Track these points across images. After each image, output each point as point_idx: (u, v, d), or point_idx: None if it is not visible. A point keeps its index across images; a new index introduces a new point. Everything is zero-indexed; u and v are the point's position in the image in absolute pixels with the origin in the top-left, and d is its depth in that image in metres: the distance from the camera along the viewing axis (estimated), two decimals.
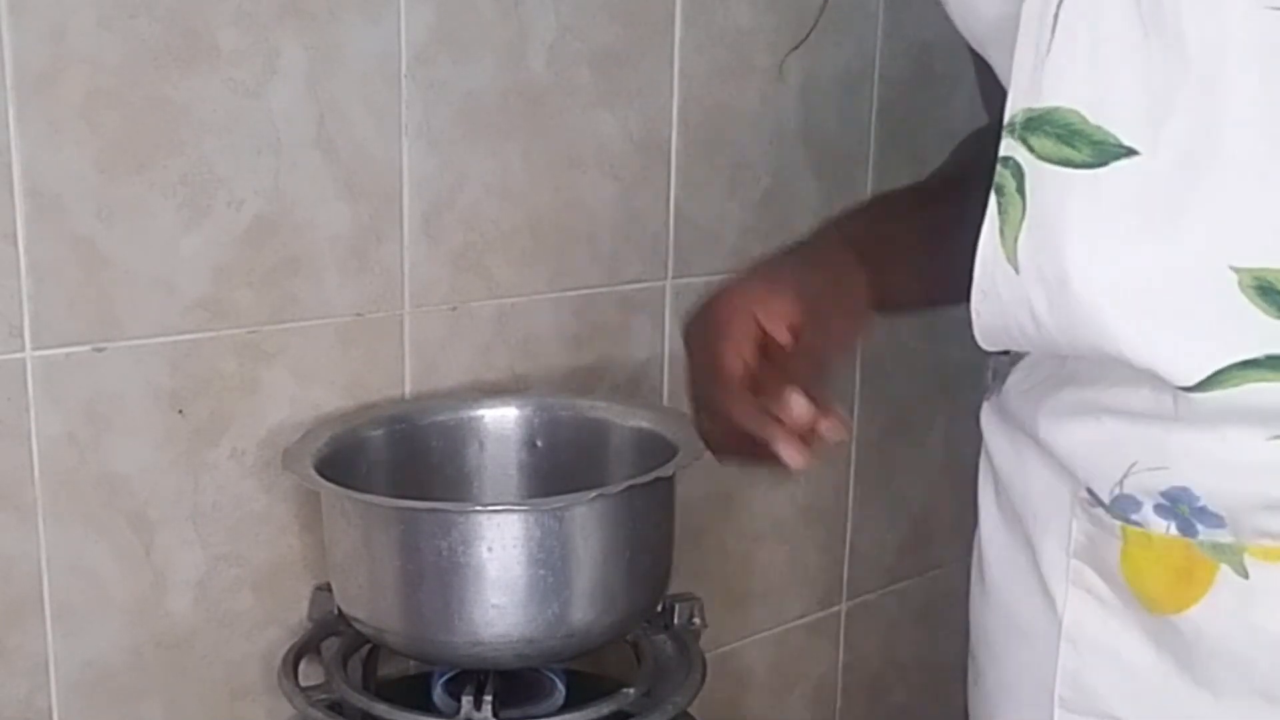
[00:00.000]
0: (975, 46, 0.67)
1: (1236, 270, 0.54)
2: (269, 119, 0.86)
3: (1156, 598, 0.64)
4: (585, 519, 0.78)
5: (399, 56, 0.91)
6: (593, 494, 0.77)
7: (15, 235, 0.78)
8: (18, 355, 0.80)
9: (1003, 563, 0.73)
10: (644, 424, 0.92)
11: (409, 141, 0.92)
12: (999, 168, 0.59)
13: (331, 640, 0.90)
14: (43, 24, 0.77)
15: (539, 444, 0.95)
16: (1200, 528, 0.61)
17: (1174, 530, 0.62)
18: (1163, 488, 0.61)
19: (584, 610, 0.79)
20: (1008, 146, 0.59)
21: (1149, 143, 0.55)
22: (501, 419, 0.95)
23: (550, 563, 0.77)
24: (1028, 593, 0.70)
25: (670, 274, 1.09)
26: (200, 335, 0.86)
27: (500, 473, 0.95)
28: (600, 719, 0.82)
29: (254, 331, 0.88)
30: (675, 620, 0.93)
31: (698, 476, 1.13)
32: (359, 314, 0.92)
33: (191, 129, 0.83)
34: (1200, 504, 0.60)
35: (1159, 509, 0.62)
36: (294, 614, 0.93)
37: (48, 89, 0.78)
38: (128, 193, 0.82)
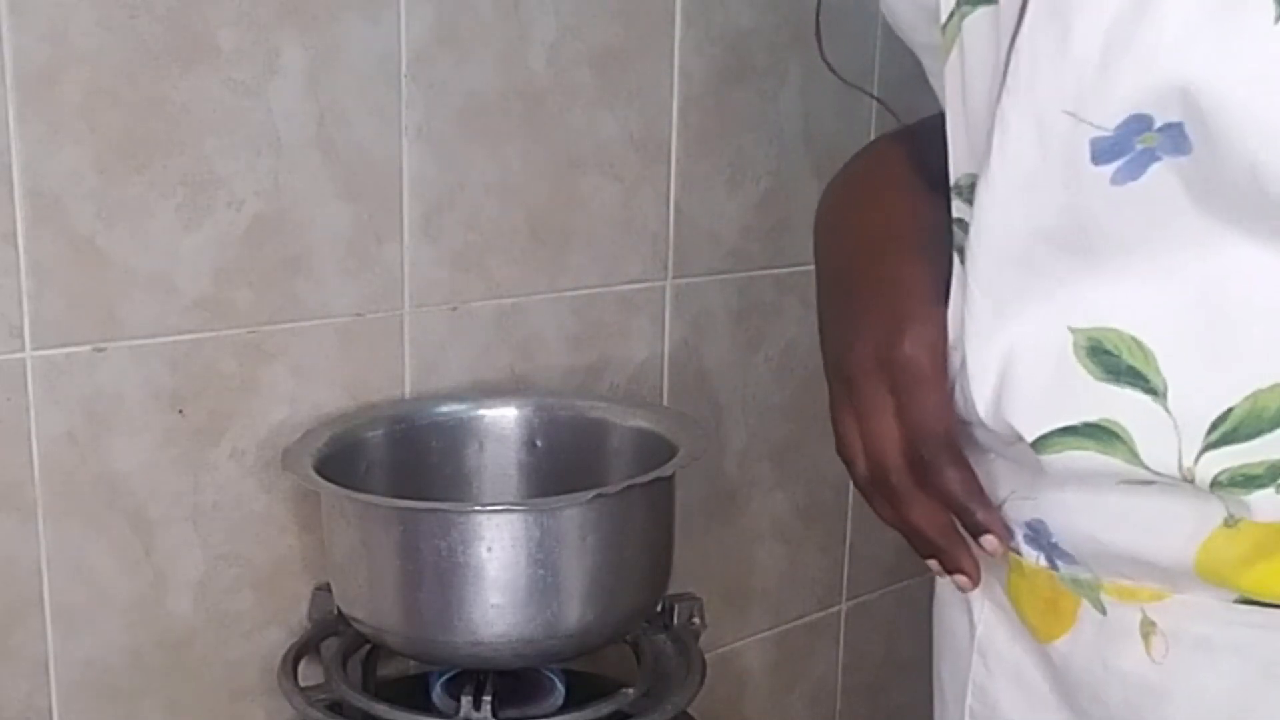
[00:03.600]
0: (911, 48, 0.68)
1: (1073, 331, 0.54)
2: (269, 119, 0.86)
3: (1034, 625, 0.65)
4: (584, 519, 0.78)
5: (399, 56, 0.91)
6: (591, 494, 0.77)
7: (15, 235, 0.79)
8: (18, 355, 0.80)
9: None
10: (643, 424, 0.92)
11: (409, 141, 0.93)
12: (955, 229, 0.59)
13: (331, 640, 0.90)
14: (43, 24, 0.77)
15: (538, 444, 0.95)
16: (1060, 563, 0.62)
17: (1042, 561, 0.63)
18: (1027, 518, 0.62)
19: (583, 610, 0.79)
20: (958, 209, 0.59)
21: (972, 218, 0.55)
22: (501, 419, 0.95)
23: (549, 563, 0.77)
24: (956, 601, 0.72)
25: (670, 274, 1.09)
26: (200, 335, 0.86)
27: (500, 473, 0.95)
28: (600, 719, 0.82)
29: (254, 331, 0.88)
30: (675, 620, 0.93)
31: (698, 476, 1.14)
32: (359, 314, 0.93)
33: (191, 129, 0.83)
34: (1054, 540, 0.61)
35: (1028, 539, 0.62)
36: (294, 614, 0.93)
37: (48, 89, 0.78)
38: (128, 193, 0.82)
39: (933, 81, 0.67)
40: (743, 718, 1.25)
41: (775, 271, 1.16)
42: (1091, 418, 0.54)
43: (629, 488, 0.79)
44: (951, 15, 0.57)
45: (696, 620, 0.94)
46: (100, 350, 0.83)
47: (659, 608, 0.92)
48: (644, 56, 1.04)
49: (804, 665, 1.30)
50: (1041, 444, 0.56)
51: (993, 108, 0.55)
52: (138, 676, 0.88)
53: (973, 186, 0.58)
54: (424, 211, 0.94)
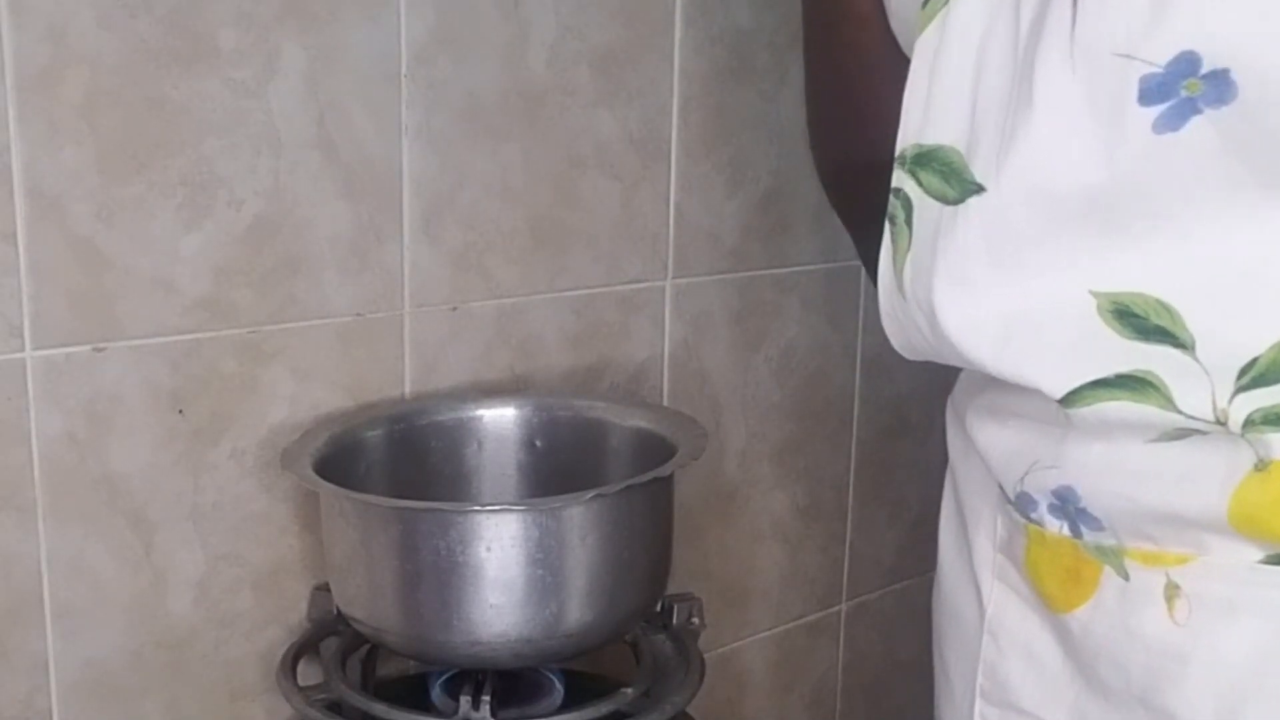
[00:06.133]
0: None
1: (1096, 294, 0.56)
2: (269, 119, 0.86)
3: (1053, 596, 0.66)
4: (583, 519, 0.78)
5: (399, 56, 0.91)
6: (590, 494, 0.77)
7: (15, 235, 0.79)
8: (18, 355, 0.80)
9: (949, 554, 0.76)
10: (643, 424, 0.92)
11: (409, 141, 0.93)
12: (891, 198, 0.62)
13: (330, 640, 0.90)
14: (43, 24, 0.77)
15: (538, 444, 0.95)
16: (1084, 529, 0.62)
17: (1066, 530, 0.64)
18: (1053, 486, 0.63)
19: (582, 610, 0.79)
20: (898, 178, 0.62)
21: (993, 178, 0.57)
22: (500, 419, 0.95)
23: (548, 562, 0.77)
24: (964, 584, 0.73)
25: (670, 274, 1.09)
26: (200, 335, 0.86)
27: (499, 473, 0.95)
28: (598, 719, 0.82)
29: (254, 331, 0.88)
30: (674, 620, 0.93)
31: (698, 476, 1.14)
32: (359, 314, 0.93)
33: (191, 129, 0.83)
34: (1081, 505, 0.62)
35: (1052, 508, 0.64)
36: (293, 614, 0.93)
37: (48, 89, 0.78)
38: (128, 193, 0.82)
39: None
40: (742, 718, 1.25)
41: (775, 271, 1.16)
42: (1124, 369, 0.56)
43: (628, 488, 0.79)
44: None
45: (696, 620, 0.94)
46: (100, 350, 0.83)
47: (658, 607, 0.92)
48: (644, 56, 1.04)
49: (804, 665, 1.30)
50: (1071, 399, 0.58)
51: (974, 78, 0.58)
52: (138, 676, 0.88)
53: (917, 159, 0.59)
54: (424, 211, 0.94)
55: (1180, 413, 0.56)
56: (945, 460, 0.81)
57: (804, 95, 0.83)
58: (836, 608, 1.31)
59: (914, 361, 0.69)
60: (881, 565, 1.33)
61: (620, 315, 1.07)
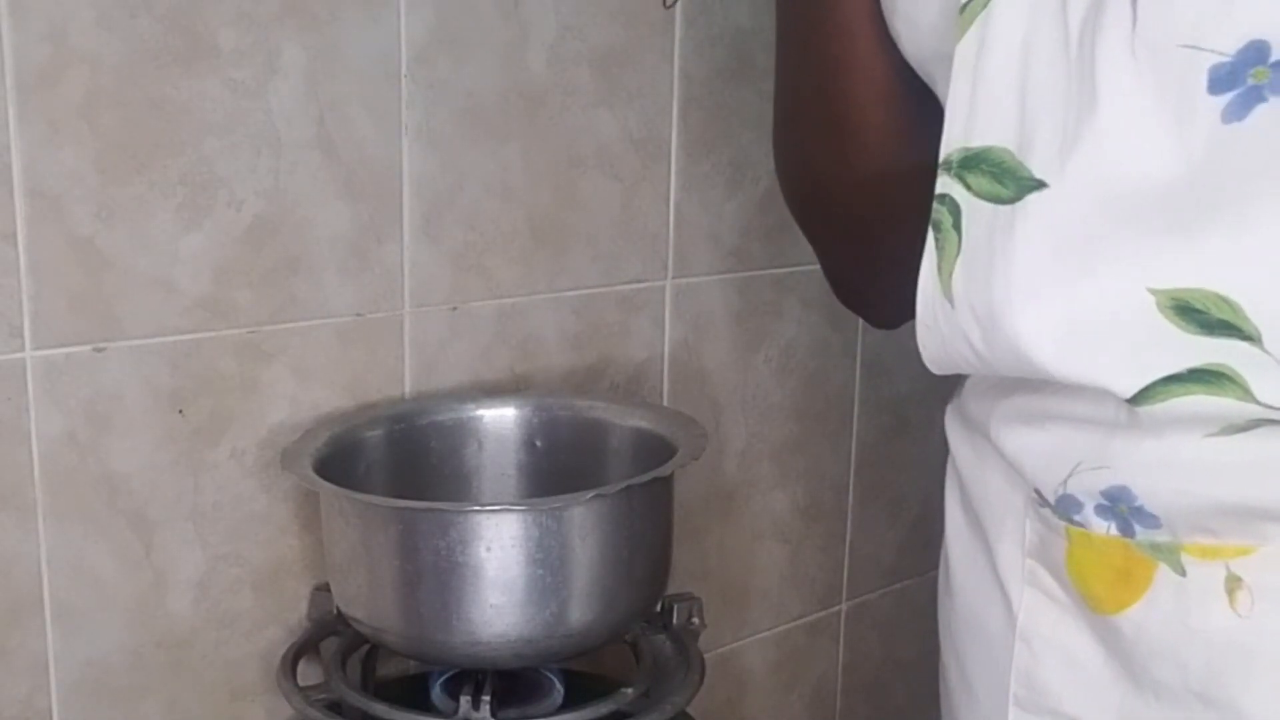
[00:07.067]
0: (921, 75, 0.68)
1: (1154, 292, 0.55)
2: (269, 119, 0.86)
3: (1099, 597, 0.65)
4: (583, 519, 0.78)
5: (399, 56, 0.91)
6: (590, 494, 0.77)
7: (15, 235, 0.79)
8: (18, 355, 0.80)
9: (964, 563, 0.74)
10: (643, 424, 0.92)
11: (409, 141, 0.93)
12: (935, 204, 0.61)
13: (330, 640, 0.91)
14: (43, 24, 0.77)
15: (538, 444, 0.95)
16: (1138, 528, 0.62)
17: (1114, 530, 0.63)
18: (1103, 487, 0.62)
19: (582, 610, 0.79)
20: (944, 184, 0.60)
21: (1056, 174, 0.56)
22: (500, 419, 0.95)
23: (548, 562, 0.77)
24: (986, 592, 0.71)
25: (670, 274, 1.09)
26: (200, 335, 0.86)
27: (499, 473, 0.95)
28: (599, 719, 0.82)
29: (254, 331, 0.88)
30: (674, 620, 0.93)
31: (697, 476, 1.14)
32: (359, 314, 0.93)
33: (191, 129, 0.83)
34: (1138, 503, 0.61)
35: (1099, 509, 0.63)
36: (294, 614, 0.93)
37: (48, 89, 0.78)
38: (128, 193, 0.82)
39: (933, 79, 0.67)
40: (742, 718, 1.25)
41: (775, 271, 1.16)
42: (1196, 364, 0.55)
43: (628, 488, 0.79)
44: None
45: (696, 620, 0.94)
46: (100, 350, 0.83)
47: (658, 607, 0.92)
48: (644, 56, 1.04)
49: (804, 665, 1.30)
50: (1142, 396, 0.56)
51: (1020, 77, 0.57)
52: (138, 676, 0.88)
53: (965, 162, 0.59)
54: (424, 211, 0.94)
55: (1259, 403, 0.55)
56: (945, 460, 0.81)
57: (774, 111, 0.79)
58: (836, 608, 1.31)
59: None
60: (881, 565, 1.34)
61: (620, 315, 1.07)
